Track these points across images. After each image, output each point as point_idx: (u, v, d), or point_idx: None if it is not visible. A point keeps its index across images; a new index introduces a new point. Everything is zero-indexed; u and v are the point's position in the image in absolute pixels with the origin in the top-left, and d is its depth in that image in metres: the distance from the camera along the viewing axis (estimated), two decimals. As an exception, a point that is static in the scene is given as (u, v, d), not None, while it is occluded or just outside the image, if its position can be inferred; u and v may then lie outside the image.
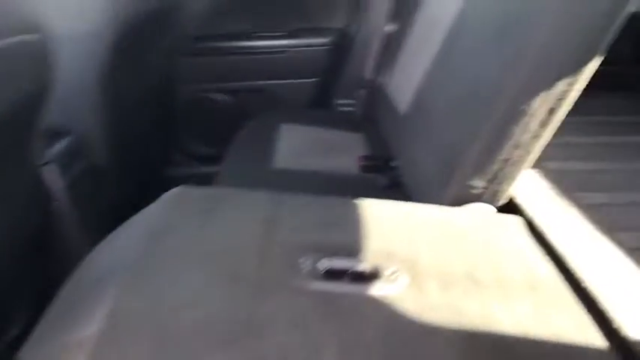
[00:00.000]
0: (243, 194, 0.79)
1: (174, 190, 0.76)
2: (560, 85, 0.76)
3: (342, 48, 1.69)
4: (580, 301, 0.65)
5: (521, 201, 0.88)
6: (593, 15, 0.71)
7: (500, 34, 0.83)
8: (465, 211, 0.84)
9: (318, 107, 1.73)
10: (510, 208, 0.88)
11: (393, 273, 0.64)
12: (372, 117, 1.45)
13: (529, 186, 0.93)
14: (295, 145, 1.34)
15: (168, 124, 1.72)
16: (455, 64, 0.98)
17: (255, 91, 1.72)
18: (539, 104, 0.77)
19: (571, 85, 0.76)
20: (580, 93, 0.77)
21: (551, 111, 0.78)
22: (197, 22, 1.65)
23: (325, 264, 0.64)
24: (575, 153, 1.10)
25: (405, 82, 1.23)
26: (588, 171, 1.07)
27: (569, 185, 0.97)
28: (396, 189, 1.09)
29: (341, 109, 1.69)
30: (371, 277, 0.63)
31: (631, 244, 0.83)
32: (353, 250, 0.67)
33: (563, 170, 1.04)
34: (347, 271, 0.63)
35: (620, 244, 0.82)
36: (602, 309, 0.66)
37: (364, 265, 0.64)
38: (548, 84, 0.76)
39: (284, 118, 1.48)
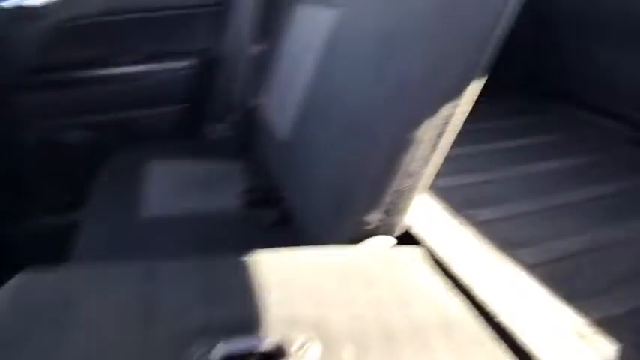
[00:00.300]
0: (107, 272, 0.65)
1: (14, 282, 0.60)
2: (445, 110, 0.73)
3: (208, 70, 1.57)
4: (496, 338, 0.62)
5: (418, 229, 0.84)
6: (473, 36, 0.69)
7: (378, 59, 0.78)
8: (365, 249, 0.78)
9: (188, 137, 1.59)
10: (408, 237, 0.84)
11: (302, 345, 0.55)
12: (249, 143, 1.36)
13: (423, 211, 0.90)
14: (167, 184, 1.20)
15: (14, 174, 1.48)
16: (333, 89, 0.93)
17: (115, 124, 1.54)
18: (426, 130, 0.73)
19: (455, 107, 0.73)
20: (466, 115, 0.75)
21: (439, 135, 0.75)
22: (36, 51, 1.43)
23: (221, 350, 0.53)
24: (459, 166, 1.10)
25: (282, 105, 1.16)
26: (475, 184, 1.08)
27: (460, 203, 0.96)
28: (286, 225, 1.01)
29: (214, 136, 1.57)
30: (278, 355, 0.54)
31: (529, 260, 0.83)
32: (252, 323, 0.58)
33: (452, 187, 1.03)
34: (248, 354, 0.53)
35: (520, 261, 0.82)
36: (519, 343, 0.64)
37: (268, 342, 0.55)
38: (433, 109, 0.72)
39: (151, 153, 1.34)
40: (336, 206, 0.83)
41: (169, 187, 1.19)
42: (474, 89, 0.73)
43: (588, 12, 1.65)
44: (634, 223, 1.06)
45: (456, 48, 0.70)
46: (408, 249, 0.77)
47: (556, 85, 1.83)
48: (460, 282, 0.75)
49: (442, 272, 0.74)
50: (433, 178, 0.80)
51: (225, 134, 1.55)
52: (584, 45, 1.71)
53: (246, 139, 1.39)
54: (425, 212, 0.91)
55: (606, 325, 0.73)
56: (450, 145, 0.77)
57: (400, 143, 0.74)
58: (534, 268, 0.81)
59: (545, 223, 0.99)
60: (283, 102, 1.16)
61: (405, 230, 0.83)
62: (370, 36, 0.83)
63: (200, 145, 1.52)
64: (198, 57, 1.56)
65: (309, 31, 1.10)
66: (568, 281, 0.80)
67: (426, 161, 0.76)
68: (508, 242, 0.88)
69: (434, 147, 0.76)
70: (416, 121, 0.73)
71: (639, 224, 1.06)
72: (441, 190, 0.99)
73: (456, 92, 0.72)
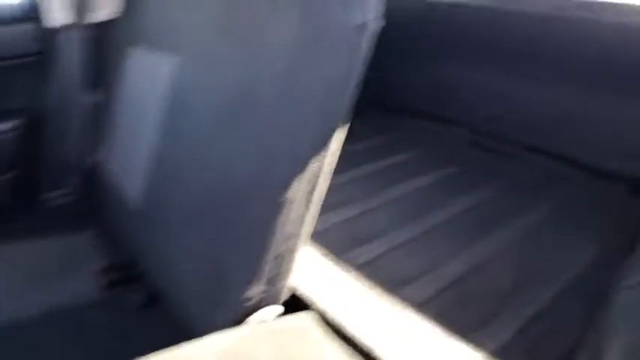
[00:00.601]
0: None
1: None
2: (314, 163, 0.67)
3: (37, 129, 1.36)
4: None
5: (304, 290, 0.78)
6: (331, 87, 0.65)
7: (234, 114, 0.71)
8: (250, 328, 0.70)
9: (23, 211, 1.36)
10: (296, 300, 0.78)
11: None
12: (98, 209, 1.20)
13: (306, 267, 0.85)
14: (4, 276, 1.00)
15: None
16: (185, 145, 0.83)
17: None
18: (298, 188, 0.67)
19: (325, 158, 0.69)
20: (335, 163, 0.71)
21: (312, 190, 0.69)
22: None
23: None
24: (332, 200, 1.06)
25: (128, 163, 1.03)
26: (350, 219, 1.06)
27: (339, 244, 0.92)
28: (157, 304, 0.89)
29: (54, 205, 1.36)
30: None
31: (418, 297, 0.82)
32: None
33: (328, 228, 0.99)
34: None
35: (410, 301, 0.80)
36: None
37: None
38: (302, 164, 0.67)
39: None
40: (210, 282, 0.74)
41: (8, 280, 0.99)
42: (340, 136, 0.69)
43: (428, 33, 1.75)
44: (499, 230, 1.12)
45: (315, 101, 0.65)
46: (298, 317, 0.71)
47: (403, 101, 1.91)
48: (358, 344, 0.70)
49: (338, 336, 0.68)
50: (311, 232, 0.74)
51: (66, 201, 1.35)
52: (424, 61, 1.81)
53: (93, 204, 1.22)
54: (307, 268, 0.86)
55: (501, 354, 0.73)
56: (323, 196, 0.72)
57: (272, 206, 0.68)
58: (424, 305, 0.80)
59: (424, 250, 0.99)
60: (128, 160, 1.03)
61: (291, 293, 0.76)
62: (221, 88, 0.75)
63: (39, 219, 1.31)
64: (22, 116, 1.35)
65: (148, 79, 0.99)
66: (458, 312, 0.80)
67: (302, 219, 0.70)
68: (394, 281, 0.85)
69: (308, 203, 0.70)
70: (286, 182, 0.67)
71: (504, 231, 1.11)
72: (319, 233, 0.95)
73: (322, 143, 0.67)
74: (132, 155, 1.01)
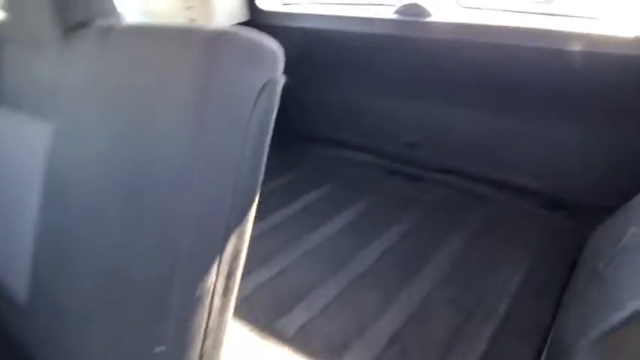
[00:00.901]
0: None
1: None
2: (230, 245, 0.59)
3: None
4: None
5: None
6: (241, 147, 0.57)
7: (128, 199, 0.60)
8: None
9: None
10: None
11: None
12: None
13: (234, 352, 0.75)
14: None
15: None
16: (73, 236, 0.70)
17: None
18: (216, 276, 0.59)
19: (242, 236, 0.60)
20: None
21: (229, 275, 0.61)
22: None
23: None
24: (257, 254, 0.98)
25: (8, 251, 0.87)
26: (274, 278, 0.97)
27: (266, 314, 0.84)
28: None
29: None
30: None
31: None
32: None
33: (245, 297, 0.90)
34: None
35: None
36: None
37: None
38: (218, 248, 0.58)
39: None
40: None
41: None
42: (256, 199, 0.61)
43: (339, 62, 1.70)
44: (426, 268, 1.08)
45: (226, 171, 0.57)
46: None
47: (314, 131, 1.86)
48: None
49: None
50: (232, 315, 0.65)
51: None
52: (335, 89, 1.77)
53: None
54: (236, 351, 0.76)
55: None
56: (239, 279, 0.64)
57: (188, 303, 0.58)
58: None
59: (353, 306, 0.93)
60: (5, 244, 0.87)
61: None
62: (110, 164, 0.64)
63: None
64: None
65: (17, 146, 0.85)
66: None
67: (223, 308, 0.61)
68: (331, 349, 0.78)
69: (227, 290, 0.61)
70: (201, 269, 0.58)
71: (431, 267, 1.09)
72: (243, 302, 0.85)
73: (241, 216, 0.59)
74: (8, 239, 0.86)
